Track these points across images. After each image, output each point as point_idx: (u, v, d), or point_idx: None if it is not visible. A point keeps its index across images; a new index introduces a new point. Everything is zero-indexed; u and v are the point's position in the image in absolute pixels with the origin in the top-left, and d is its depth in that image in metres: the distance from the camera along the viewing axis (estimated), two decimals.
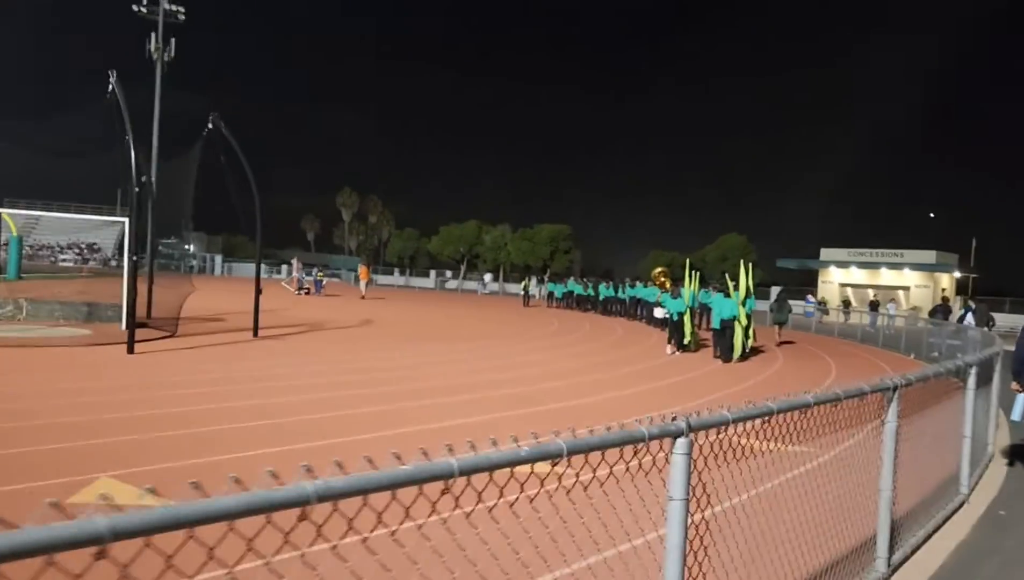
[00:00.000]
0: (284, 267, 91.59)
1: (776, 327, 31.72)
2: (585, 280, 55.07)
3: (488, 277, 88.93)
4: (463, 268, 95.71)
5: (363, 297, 51.43)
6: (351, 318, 33.06)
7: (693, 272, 28.38)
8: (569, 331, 32.77)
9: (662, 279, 38.44)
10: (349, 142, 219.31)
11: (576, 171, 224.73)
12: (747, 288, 24.58)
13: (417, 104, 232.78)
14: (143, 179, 20.35)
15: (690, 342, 25.67)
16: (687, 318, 25.42)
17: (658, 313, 32.75)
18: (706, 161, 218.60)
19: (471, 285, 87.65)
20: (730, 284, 24.37)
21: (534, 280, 65.58)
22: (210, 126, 22.32)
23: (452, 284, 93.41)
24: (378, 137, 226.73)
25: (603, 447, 3.23)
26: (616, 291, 47.49)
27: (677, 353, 24.83)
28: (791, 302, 34.81)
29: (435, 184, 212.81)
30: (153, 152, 44.70)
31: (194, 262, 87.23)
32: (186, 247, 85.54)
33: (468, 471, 2.63)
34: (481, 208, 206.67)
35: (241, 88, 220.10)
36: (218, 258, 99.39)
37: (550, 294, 57.45)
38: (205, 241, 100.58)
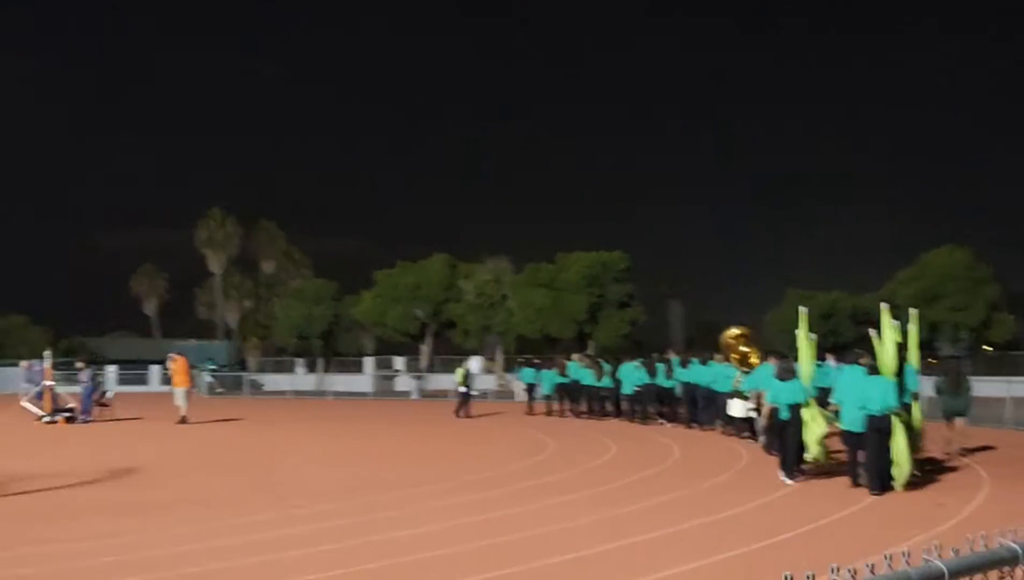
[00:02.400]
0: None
1: (951, 420, 19.53)
2: (595, 359, 33.66)
3: (473, 363, 46.67)
4: (425, 349, 57.37)
5: (182, 420, 29.62)
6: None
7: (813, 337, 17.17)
8: (569, 467, 18.54)
9: (741, 348, 26.07)
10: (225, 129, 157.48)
11: (626, 168, 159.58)
12: (896, 352, 15.49)
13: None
14: None
15: (819, 454, 15.90)
16: (811, 414, 15.75)
17: (735, 408, 22.71)
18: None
19: (444, 380, 47.04)
20: (878, 342, 15.48)
21: (473, 363, 36.15)
22: None
23: (407, 383, 51.82)
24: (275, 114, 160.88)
25: None
26: (652, 375, 27.82)
27: (791, 482, 15.36)
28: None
29: (391, 198, 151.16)
30: None
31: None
32: None
33: None
34: (473, 234, 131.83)
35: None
36: None
37: (529, 389, 34.31)
38: None
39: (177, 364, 30.49)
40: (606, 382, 29.88)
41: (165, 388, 56.07)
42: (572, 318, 52.06)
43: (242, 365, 64.75)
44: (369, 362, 59.60)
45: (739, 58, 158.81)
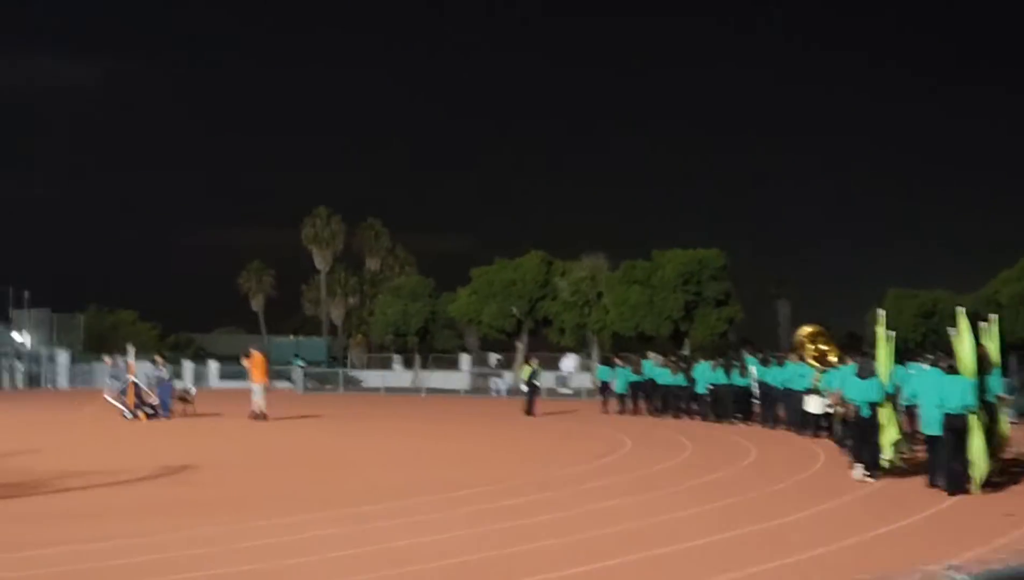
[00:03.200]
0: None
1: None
2: (673, 359, 33.05)
3: (570, 361, 54.15)
4: (520, 346, 55.23)
5: (259, 415, 29.70)
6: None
7: (891, 335, 16.94)
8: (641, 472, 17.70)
9: (819, 347, 23.66)
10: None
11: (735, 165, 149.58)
12: (978, 354, 15.09)
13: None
14: None
15: (894, 457, 16.01)
16: (888, 413, 15.90)
17: (812, 404, 22.34)
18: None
19: (549, 377, 46.95)
20: (957, 342, 15.05)
21: (567, 361, 34.79)
22: None
23: (501, 383, 51.65)
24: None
25: None
26: (728, 373, 28.05)
27: (870, 478, 15.51)
28: None
29: (495, 198, 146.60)
30: None
31: (19, 365, 60.04)
32: (14, 335, 61.05)
33: None
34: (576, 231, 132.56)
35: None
36: (62, 357, 60.37)
37: (603, 387, 34.18)
38: (49, 325, 65.48)
39: (254, 360, 30.43)
40: (680, 380, 29.78)
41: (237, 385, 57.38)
42: (667, 316, 51.04)
43: (341, 361, 65.02)
44: (466, 359, 59.37)
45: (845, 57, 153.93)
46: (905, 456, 16.89)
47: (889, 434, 16.23)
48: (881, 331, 17.10)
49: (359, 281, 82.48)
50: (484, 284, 56.02)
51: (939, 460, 14.86)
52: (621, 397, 32.47)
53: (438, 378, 55.30)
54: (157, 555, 10.22)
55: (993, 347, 16.76)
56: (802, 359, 24.87)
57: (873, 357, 17.25)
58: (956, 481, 14.43)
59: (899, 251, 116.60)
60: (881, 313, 17.83)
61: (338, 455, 21.05)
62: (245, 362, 31.32)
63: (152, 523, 12.06)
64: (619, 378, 32.65)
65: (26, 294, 64.94)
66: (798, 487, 15.82)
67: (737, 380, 27.58)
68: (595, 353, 54.27)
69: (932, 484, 14.89)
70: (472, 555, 10.22)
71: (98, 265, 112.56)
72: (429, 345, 60.82)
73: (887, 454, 16.25)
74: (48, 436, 25.15)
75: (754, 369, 27.55)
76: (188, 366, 60.77)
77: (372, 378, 57.76)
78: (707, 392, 28.61)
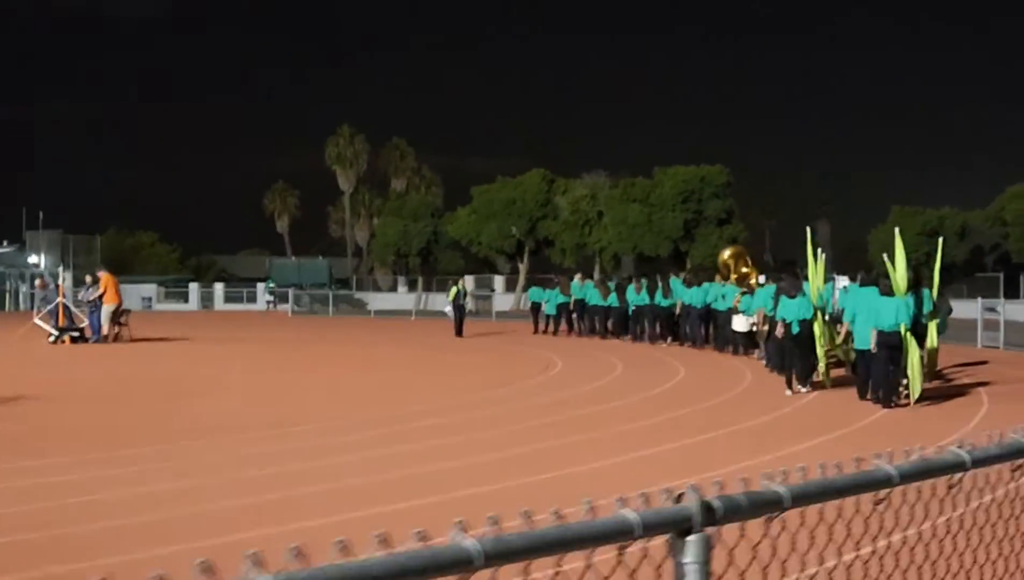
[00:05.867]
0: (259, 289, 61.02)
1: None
2: (602, 278, 35.23)
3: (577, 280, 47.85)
4: (522, 266, 54.78)
5: (111, 335, 29.51)
6: None
7: (818, 251, 18.65)
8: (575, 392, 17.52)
9: (742, 268, 25.82)
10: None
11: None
12: (910, 276, 16.11)
13: None
14: None
15: (826, 372, 17.25)
16: (820, 327, 17.06)
17: (738, 323, 23.17)
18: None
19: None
20: (892, 268, 16.01)
21: (461, 284, 33.66)
22: None
23: (506, 300, 51.25)
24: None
25: None
26: (652, 296, 27.79)
27: (805, 390, 16.75)
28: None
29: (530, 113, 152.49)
30: None
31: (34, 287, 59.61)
32: (30, 260, 60.72)
33: None
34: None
35: None
36: (67, 280, 53.85)
37: (534, 308, 33.66)
38: (61, 246, 63.76)
39: (104, 282, 29.39)
40: (612, 301, 29.39)
41: (239, 307, 56.92)
42: (666, 235, 49.34)
43: (343, 284, 64.12)
44: (469, 280, 58.14)
45: None
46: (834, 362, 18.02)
47: (824, 345, 17.18)
48: (810, 250, 18.38)
49: (384, 202, 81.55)
50: (484, 203, 54.63)
51: (873, 374, 15.58)
52: (550, 318, 32.32)
53: (441, 300, 54.22)
54: None
55: (935, 271, 18.56)
56: (725, 280, 25.88)
57: (802, 276, 18.52)
58: (889, 394, 15.21)
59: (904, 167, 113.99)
60: (808, 231, 19.12)
61: (210, 386, 19.81)
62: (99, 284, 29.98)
63: None
64: (547, 299, 32.47)
65: (40, 215, 65.07)
66: (731, 403, 16.10)
67: (661, 301, 27.23)
68: (596, 275, 52.79)
69: (863, 398, 15.66)
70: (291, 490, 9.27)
71: (120, 187, 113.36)
72: (432, 266, 59.64)
73: (821, 366, 17.17)
74: None
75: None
76: (193, 287, 60.47)
77: (377, 300, 56.76)
78: (634, 311, 28.48)
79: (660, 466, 10.34)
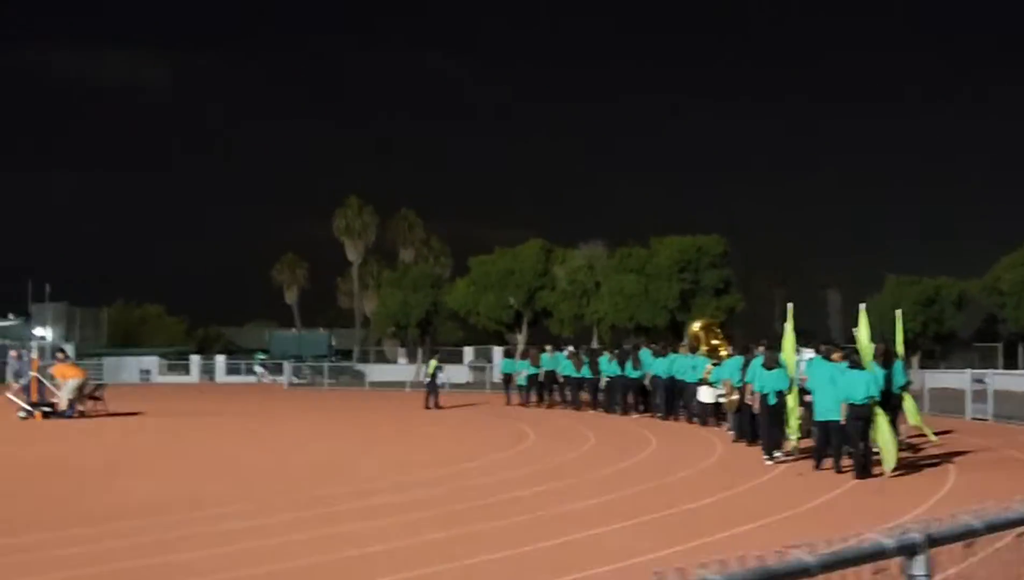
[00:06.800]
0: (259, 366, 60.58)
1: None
2: (574, 351, 33.37)
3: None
4: (520, 337, 53.77)
5: (84, 410, 29.40)
6: None
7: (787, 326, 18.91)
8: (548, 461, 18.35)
9: (712, 340, 26.68)
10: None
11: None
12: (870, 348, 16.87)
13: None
14: None
15: (796, 442, 17.53)
16: (794, 399, 17.53)
17: (704, 394, 23.76)
18: None
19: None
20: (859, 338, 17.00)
21: (436, 360, 33.93)
22: None
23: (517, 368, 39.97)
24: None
25: None
26: (623, 367, 28.02)
27: (773, 460, 17.14)
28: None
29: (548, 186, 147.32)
30: None
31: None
32: (36, 332, 60.66)
33: None
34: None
35: None
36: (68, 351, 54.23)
37: (506, 379, 34.26)
38: (67, 319, 65.00)
39: (58, 370, 29.55)
40: (585, 373, 29.73)
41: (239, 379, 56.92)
42: (663, 305, 49.08)
43: (345, 355, 64.02)
44: (469, 351, 57.84)
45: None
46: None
47: (797, 417, 17.59)
48: (788, 326, 18.63)
49: (392, 273, 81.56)
50: (482, 274, 54.54)
51: (833, 445, 16.08)
52: (521, 389, 32.54)
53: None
54: None
55: (899, 340, 19.19)
56: (693, 351, 26.16)
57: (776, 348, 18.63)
58: (864, 465, 15.54)
59: (900, 235, 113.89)
60: (790, 307, 19.01)
61: (149, 464, 19.32)
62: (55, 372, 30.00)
63: None
64: (518, 370, 32.92)
65: (47, 288, 65.41)
66: (702, 475, 16.52)
67: (630, 372, 27.50)
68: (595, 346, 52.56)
69: (819, 467, 16.19)
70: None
71: (126, 260, 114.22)
72: (433, 337, 59.38)
73: (793, 438, 17.50)
74: None
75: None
76: (195, 359, 60.50)
77: (375, 372, 56.46)
78: (608, 383, 28.71)
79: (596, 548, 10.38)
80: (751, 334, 43.20)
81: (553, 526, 11.53)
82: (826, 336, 47.85)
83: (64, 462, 19.26)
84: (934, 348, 49.10)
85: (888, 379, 17.28)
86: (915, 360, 46.46)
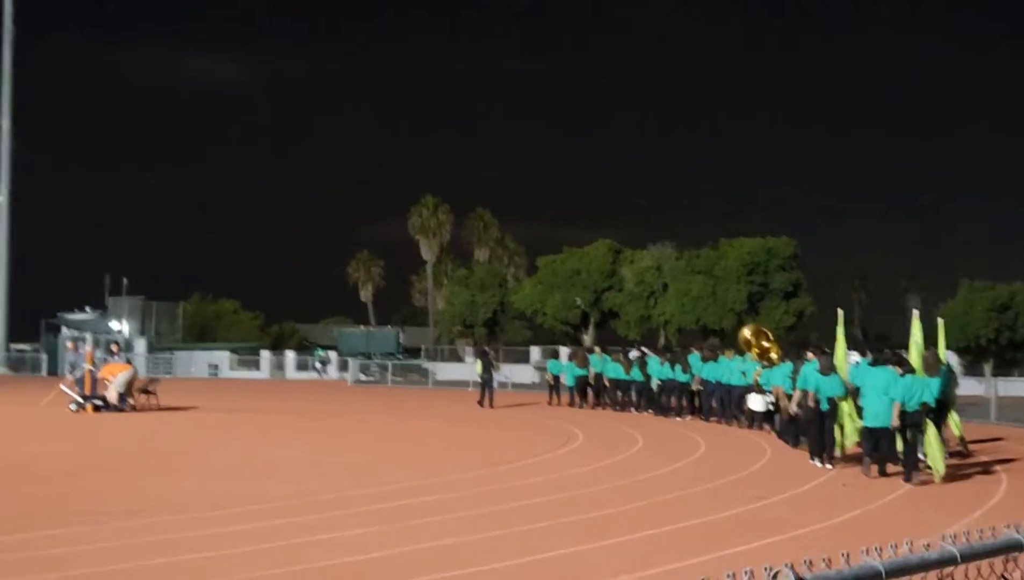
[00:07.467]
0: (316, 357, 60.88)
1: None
2: (627, 352, 32.25)
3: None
4: (586, 338, 53.31)
5: (136, 404, 29.34)
6: None
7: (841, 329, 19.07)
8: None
9: (761, 345, 24.75)
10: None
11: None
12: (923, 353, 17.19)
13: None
14: None
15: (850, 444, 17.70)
16: (848, 406, 17.47)
17: (755, 402, 22.86)
18: None
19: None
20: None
21: (481, 359, 33.35)
22: None
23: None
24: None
25: None
26: (673, 369, 27.89)
27: (829, 467, 16.98)
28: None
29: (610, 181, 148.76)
30: None
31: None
32: (112, 326, 61.38)
33: None
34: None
35: None
36: (140, 345, 60.61)
37: (554, 381, 33.74)
38: (143, 313, 64.94)
39: (107, 369, 29.57)
40: (635, 375, 29.47)
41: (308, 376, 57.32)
42: (730, 308, 48.20)
43: (413, 353, 64.04)
44: (536, 351, 57.43)
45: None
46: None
47: (848, 425, 17.54)
48: (840, 331, 18.69)
49: (467, 272, 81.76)
50: (549, 274, 54.16)
51: (881, 451, 16.00)
52: (570, 390, 32.34)
53: (506, 371, 53.59)
54: None
55: (941, 348, 18.69)
56: (741, 355, 25.72)
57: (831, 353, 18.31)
58: (912, 470, 15.54)
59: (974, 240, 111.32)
60: (840, 313, 19.01)
61: (181, 460, 19.14)
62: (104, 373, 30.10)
63: None
64: (567, 372, 32.53)
65: (124, 281, 66.53)
66: (753, 478, 16.38)
67: (679, 376, 27.42)
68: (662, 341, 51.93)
69: (867, 474, 15.99)
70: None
71: (204, 254, 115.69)
72: (499, 337, 59.24)
73: (850, 441, 17.56)
74: None
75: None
76: (265, 355, 60.98)
77: (442, 370, 56.39)
78: (656, 387, 28.56)
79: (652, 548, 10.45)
80: (824, 339, 42.53)
81: (606, 526, 11.54)
82: (904, 341, 46.61)
83: (94, 457, 19.24)
84: (1014, 355, 47.50)
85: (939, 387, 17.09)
86: (987, 367, 45.37)
